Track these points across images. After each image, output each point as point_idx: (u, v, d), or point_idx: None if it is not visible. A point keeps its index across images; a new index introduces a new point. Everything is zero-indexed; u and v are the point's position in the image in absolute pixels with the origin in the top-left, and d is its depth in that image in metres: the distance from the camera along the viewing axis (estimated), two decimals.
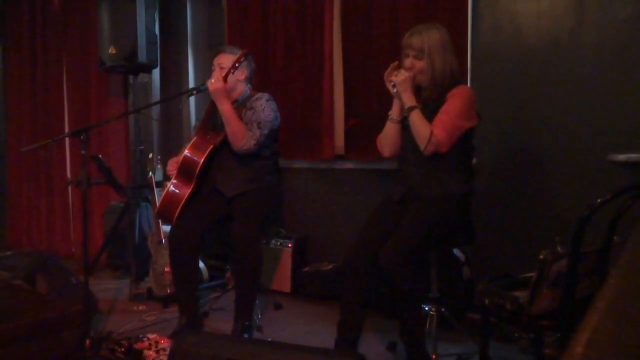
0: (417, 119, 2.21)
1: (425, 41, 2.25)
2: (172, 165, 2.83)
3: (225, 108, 2.66)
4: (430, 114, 2.25)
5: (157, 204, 2.87)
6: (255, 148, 2.72)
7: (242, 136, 2.67)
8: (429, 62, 2.25)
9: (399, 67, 2.29)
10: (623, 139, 2.51)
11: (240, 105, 2.82)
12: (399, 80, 2.23)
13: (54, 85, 4.97)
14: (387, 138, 2.42)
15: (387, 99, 2.42)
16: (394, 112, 2.36)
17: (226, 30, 3.95)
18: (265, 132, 2.73)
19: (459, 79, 2.36)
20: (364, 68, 3.32)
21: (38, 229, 5.20)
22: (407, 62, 2.29)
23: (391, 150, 2.44)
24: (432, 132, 2.17)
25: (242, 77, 2.84)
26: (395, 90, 2.27)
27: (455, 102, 2.22)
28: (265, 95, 2.83)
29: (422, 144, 2.20)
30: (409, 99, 2.24)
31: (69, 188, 4.94)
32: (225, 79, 2.67)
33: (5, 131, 5.46)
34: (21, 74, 5.23)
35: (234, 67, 2.68)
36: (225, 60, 2.75)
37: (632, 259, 0.92)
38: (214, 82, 2.65)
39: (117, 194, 3.86)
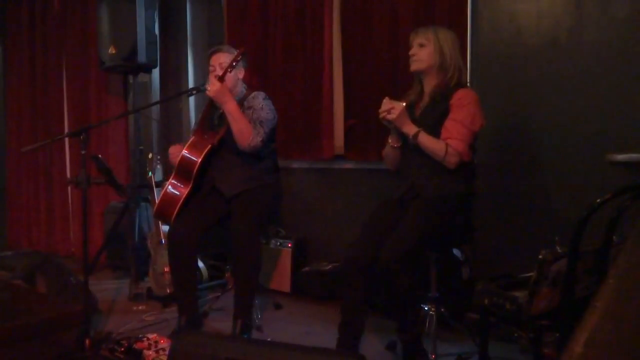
0: (426, 141, 2.21)
1: (431, 31, 2.28)
2: (175, 149, 2.81)
3: (230, 107, 2.67)
4: (436, 118, 2.25)
5: (156, 204, 2.87)
6: (261, 145, 2.73)
7: (248, 133, 2.68)
8: (437, 46, 2.26)
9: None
10: (623, 139, 2.51)
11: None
12: (394, 117, 2.21)
13: (54, 85, 4.97)
14: (390, 158, 2.45)
15: None
16: (393, 140, 2.37)
17: (226, 30, 3.96)
18: (267, 130, 2.74)
19: (463, 82, 2.35)
20: (363, 68, 3.32)
21: (38, 229, 5.20)
22: (411, 52, 2.31)
23: (395, 166, 2.47)
24: (447, 145, 2.18)
25: (242, 75, 2.86)
26: (393, 126, 2.28)
27: (465, 111, 2.22)
28: (262, 94, 2.84)
29: (440, 158, 2.20)
30: (409, 129, 2.23)
31: (69, 188, 4.93)
32: (222, 78, 2.67)
33: (5, 131, 5.46)
34: (21, 74, 5.23)
35: (231, 66, 2.68)
36: (226, 59, 2.76)
37: (630, 259, 0.92)
38: (210, 88, 2.65)
39: (117, 194, 3.86)
